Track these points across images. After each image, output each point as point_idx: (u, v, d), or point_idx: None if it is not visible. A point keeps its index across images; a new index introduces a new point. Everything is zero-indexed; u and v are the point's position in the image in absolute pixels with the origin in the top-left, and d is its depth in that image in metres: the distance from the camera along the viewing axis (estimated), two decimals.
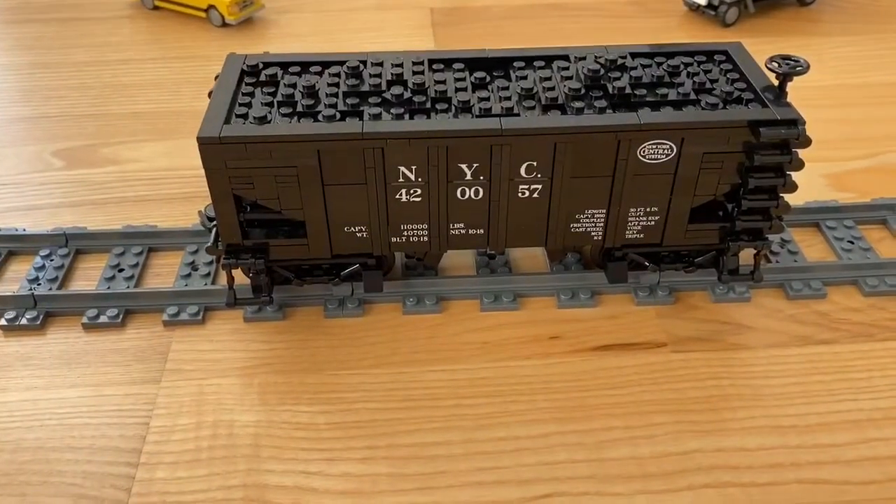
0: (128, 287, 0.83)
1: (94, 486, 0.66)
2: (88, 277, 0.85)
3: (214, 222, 0.74)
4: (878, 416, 0.71)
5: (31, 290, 0.81)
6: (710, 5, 1.38)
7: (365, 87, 0.73)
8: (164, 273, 0.86)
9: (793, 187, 0.73)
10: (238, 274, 0.78)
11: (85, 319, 0.79)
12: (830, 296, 0.82)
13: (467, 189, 0.72)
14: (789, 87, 0.72)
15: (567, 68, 0.76)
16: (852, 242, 0.88)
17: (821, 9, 1.45)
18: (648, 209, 0.75)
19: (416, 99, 0.71)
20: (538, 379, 0.74)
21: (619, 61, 0.75)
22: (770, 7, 1.43)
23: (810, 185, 0.95)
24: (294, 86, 0.73)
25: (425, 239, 0.76)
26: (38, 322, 0.79)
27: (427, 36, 1.38)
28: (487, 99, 0.72)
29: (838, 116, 1.13)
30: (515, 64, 0.77)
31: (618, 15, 1.45)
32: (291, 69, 0.76)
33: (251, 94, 0.73)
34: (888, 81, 1.22)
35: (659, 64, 0.76)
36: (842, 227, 0.90)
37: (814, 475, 0.66)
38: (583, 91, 0.72)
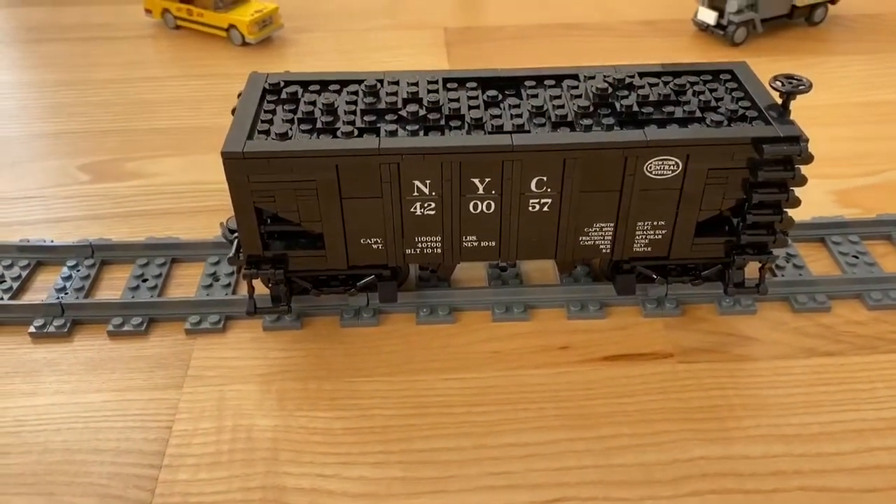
0: (151, 296, 0.85)
1: (119, 486, 0.68)
2: (113, 287, 0.88)
3: (236, 234, 0.77)
4: (880, 426, 0.72)
5: (58, 298, 0.84)
6: (718, 25, 1.40)
7: (381, 105, 0.75)
8: (187, 283, 0.88)
9: (796, 203, 0.74)
10: (258, 284, 0.80)
11: (110, 327, 0.82)
12: (835, 309, 0.84)
13: (479, 203, 0.75)
14: (796, 105, 0.74)
15: (577, 87, 0.78)
16: (857, 257, 0.89)
17: (829, 28, 1.47)
18: (655, 223, 0.77)
19: (430, 116, 0.74)
20: (548, 388, 0.76)
21: (627, 80, 0.77)
22: (778, 27, 1.45)
23: (817, 201, 0.97)
24: (314, 103, 0.76)
25: (439, 251, 0.78)
26: (66, 329, 0.82)
27: (441, 55, 1.40)
28: (499, 116, 0.74)
29: (845, 134, 1.14)
30: (527, 83, 0.79)
31: (628, 35, 1.47)
32: (311, 87, 0.78)
33: (273, 112, 0.75)
34: (894, 100, 1.23)
35: (666, 83, 0.78)
36: (847, 242, 0.91)
37: (817, 483, 0.67)
38: (591, 109, 0.74)
